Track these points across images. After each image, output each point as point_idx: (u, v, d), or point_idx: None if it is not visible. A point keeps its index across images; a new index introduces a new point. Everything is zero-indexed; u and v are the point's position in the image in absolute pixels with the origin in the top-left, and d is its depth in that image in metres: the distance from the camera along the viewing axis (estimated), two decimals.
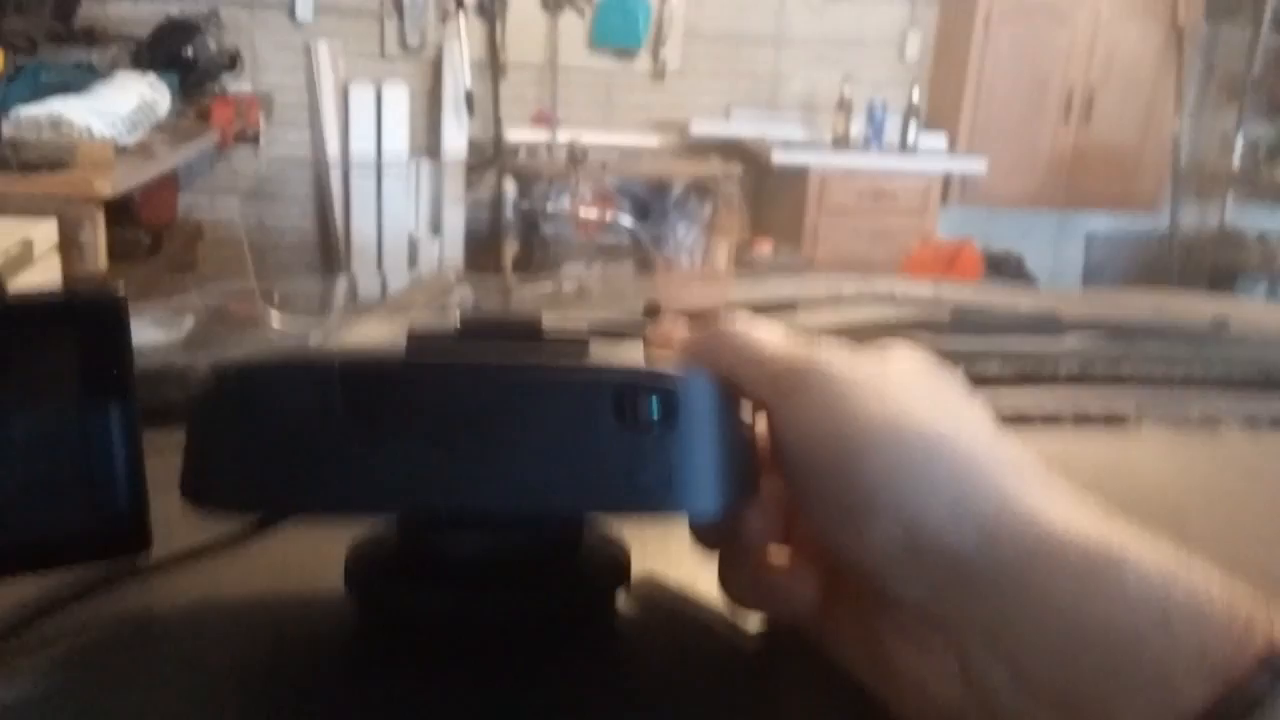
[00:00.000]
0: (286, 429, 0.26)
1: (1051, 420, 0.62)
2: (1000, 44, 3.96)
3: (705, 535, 0.32)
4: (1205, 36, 4.29)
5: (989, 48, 3.96)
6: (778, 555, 0.32)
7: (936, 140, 4.06)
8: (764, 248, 3.74)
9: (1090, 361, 0.69)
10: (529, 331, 0.31)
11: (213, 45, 3.33)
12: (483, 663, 0.30)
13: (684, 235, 3.84)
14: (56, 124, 2.20)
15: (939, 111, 4.13)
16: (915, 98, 3.94)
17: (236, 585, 0.33)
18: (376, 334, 0.62)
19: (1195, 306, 1.22)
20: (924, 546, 0.26)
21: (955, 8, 4.09)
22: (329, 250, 3.93)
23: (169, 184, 3.18)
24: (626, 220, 3.41)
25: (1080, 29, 4.01)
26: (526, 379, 0.27)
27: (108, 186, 2.10)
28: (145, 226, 2.92)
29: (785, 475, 0.29)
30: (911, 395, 0.28)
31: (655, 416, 0.27)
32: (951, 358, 0.68)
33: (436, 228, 3.94)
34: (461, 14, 3.76)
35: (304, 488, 0.26)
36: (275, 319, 0.98)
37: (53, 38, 2.59)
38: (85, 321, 0.31)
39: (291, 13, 3.73)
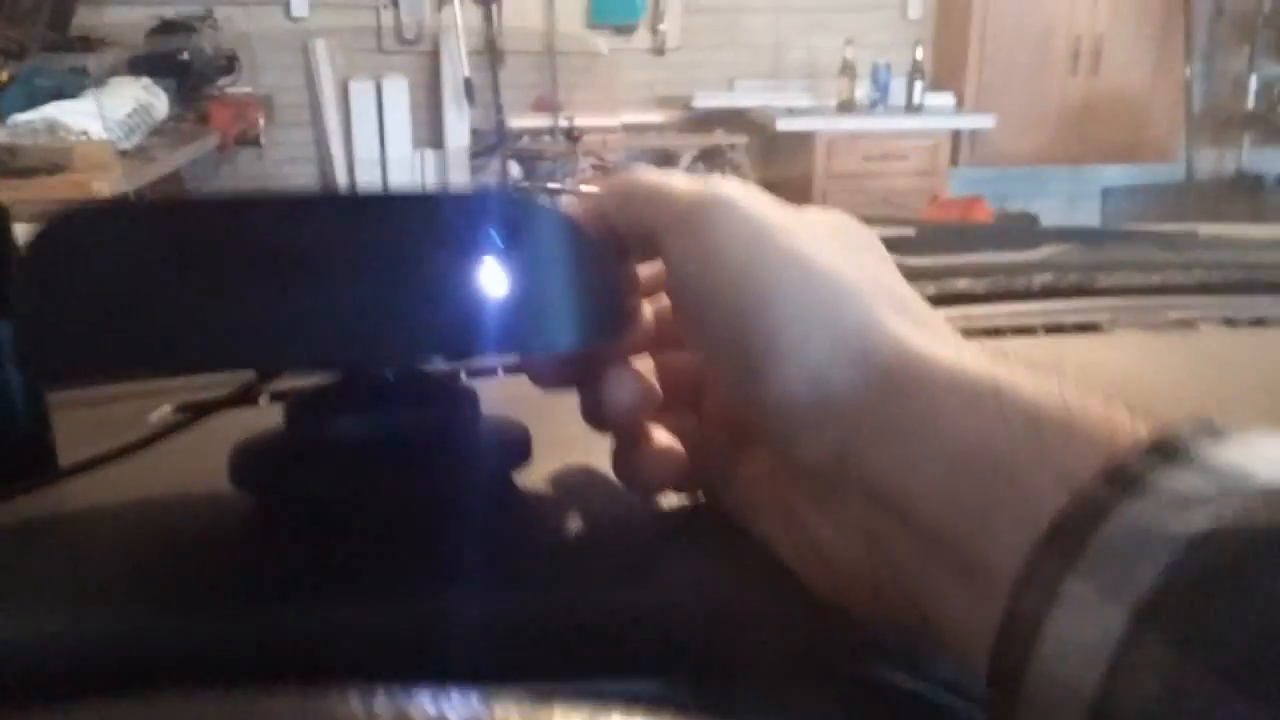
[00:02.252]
0: (113, 281, 0.25)
1: (1024, 331, 0.60)
2: None
3: (588, 409, 0.31)
4: None
5: (992, 2, 3.90)
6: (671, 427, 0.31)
7: (944, 99, 4.01)
8: None
9: (1065, 272, 0.67)
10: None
11: (208, 48, 3.34)
12: (376, 538, 0.29)
13: None
14: (52, 129, 2.22)
15: (945, 70, 4.07)
16: (919, 57, 3.89)
17: (126, 492, 0.33)
18: None
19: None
20: (827, 395, 0.25)
21: None
22: None
23: (174, 188, 3.19)
24: None
25: None
26: (357, 202, 0.26)
27: (106, 187, 2.12)
28: None
29: (683, 319, 0.28)
30: (821, 240, 0.27)
31: (500, 245, 0.26)
32: (921, 273, 0.66)
33: None
34: (457, 1, 3.75)
35: (135, 347, 0.25)
36: None
37: (48, 46, 2.61)
38: None
39: (287, 10, 3.73)
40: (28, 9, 2.82)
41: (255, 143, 3.59)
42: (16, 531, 0.31)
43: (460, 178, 3.90)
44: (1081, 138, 4.09)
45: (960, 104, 4.02)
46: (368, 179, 3.86)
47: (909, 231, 0.69)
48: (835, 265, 0.26)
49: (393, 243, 0.25)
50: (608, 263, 0.28)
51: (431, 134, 3.94)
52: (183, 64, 3.19)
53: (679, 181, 0.28)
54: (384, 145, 3.88)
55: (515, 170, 3.81)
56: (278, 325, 0.25)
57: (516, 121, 3.93)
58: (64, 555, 0.30)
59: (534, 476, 0.33)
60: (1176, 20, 4.03)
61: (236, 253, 0.25)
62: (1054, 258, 0.70)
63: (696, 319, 0.27)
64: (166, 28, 3.27)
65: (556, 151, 3.68)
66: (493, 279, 0.25)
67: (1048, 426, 0.22)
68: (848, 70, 3.86)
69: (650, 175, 0.29)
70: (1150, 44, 4.05)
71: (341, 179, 3.86)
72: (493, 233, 0.25)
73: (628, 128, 3.92)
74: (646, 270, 0.30)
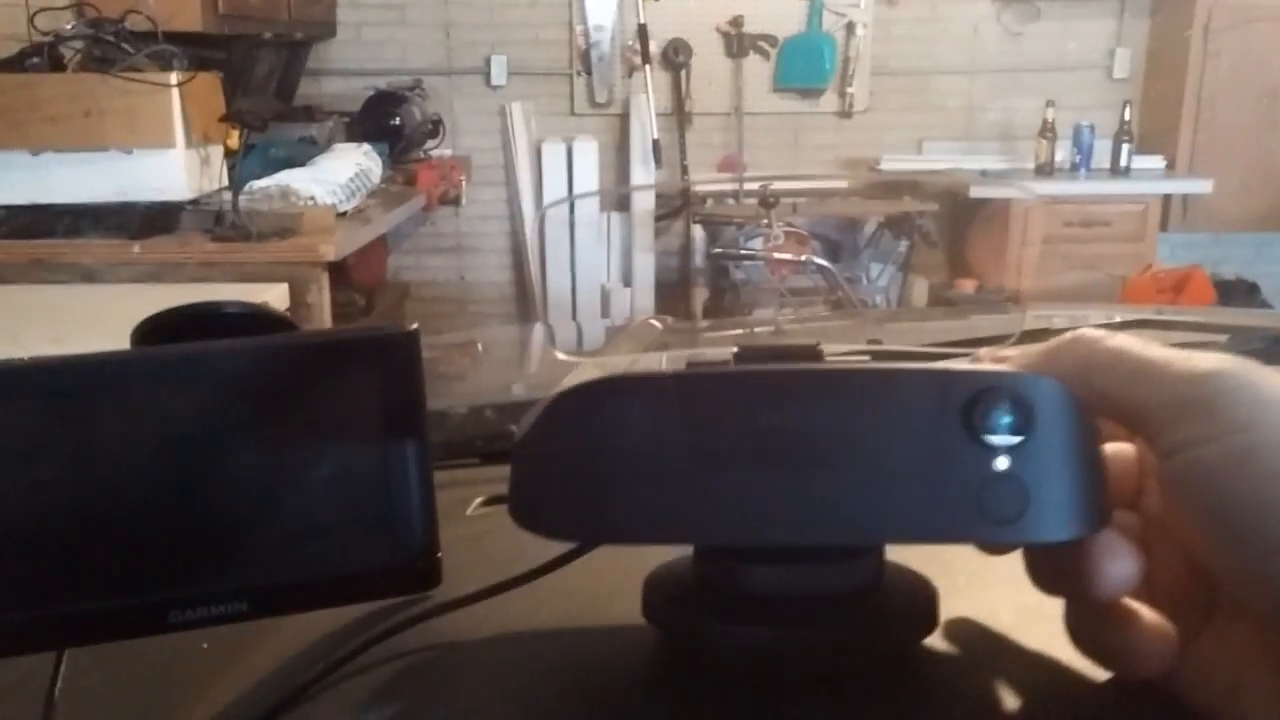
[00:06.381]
0: (619, 454, 0.25)
1: None
2: (1222, 54, 3.68)
3: (1048, 576, 0.28)
4: None
5: (1209, 60, 3.69)
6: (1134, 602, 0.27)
7: (1153, 162, 3.81)
8: (967, 285, 3.60)
9: None
10: (809, 355, 0.28)
11: (417, 114, 3.53)
12: (782, 697, 0.28)
13: (878, 275, 3.74)
14: (285, 194, 2.37)
15: (1155, 132, 3.87)
16: (1127, 117, 3.72)
17: (534, 618, 0.33)
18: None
19: None
20: None
21: (1169, 20, 3.84)
22: (525, 302, 4.06)
23: (379, 247, 3.36)
24: (822, 261, 3.35)
25: None
26: (870, 382, 0.25)
27: (331, 250, 2.25)
28: (358, 288, 3.10)
29: (1189, 511, 0.25)
30: None
31: (1009, 425, 0.24)
32: None
33: (627, 278, 3.99)
34: (647, 67, 3.84)
35: (635, 519, 0.25)
36: (486, 370, 0.99)
37: (277, 116, 2.81)
38: (384, 357, 0.31)
39: (487, 79, 3.91)
40: (260, 83, 3.05)
41: (456, 202, 3.75)
42: (424, 661, 0.31)
43: (645, 239, 3.95)
44: None
45: (1171, 166, 3.81)
46: (556, 236, 3.96)
47: (1220, 338, 0.63)
48: None
49: (896, 423, 0.24)
50: (1098, 444, 0.26)
51: (619, 193, 4.02)
52: (395, 129, 3.38)
53: (1163, 353, 0.26)
54: (573, 204, 3.98)
55: (700, 236, 3.84)
56: (768, 502, 0.24)
57: (700, 179, 3.97)
58: (472, 683, 0.30)
59: (936, 638, 0.30)
60: None
61: (731, 431, 0.24)
62: None
63: (1214, 515, 0.24)
64: (380, 98, 3.48)
65: (744, 215, 3.68)
66: (1003, 465, 0.24)
67: None
68: (1047, 132, 3.72)
69: (1126, 342, 0.26)
70: None
71: (532, 238, 3.98)
72: (1006, 416, 0.23)
73: (813, 191, 3.89)
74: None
